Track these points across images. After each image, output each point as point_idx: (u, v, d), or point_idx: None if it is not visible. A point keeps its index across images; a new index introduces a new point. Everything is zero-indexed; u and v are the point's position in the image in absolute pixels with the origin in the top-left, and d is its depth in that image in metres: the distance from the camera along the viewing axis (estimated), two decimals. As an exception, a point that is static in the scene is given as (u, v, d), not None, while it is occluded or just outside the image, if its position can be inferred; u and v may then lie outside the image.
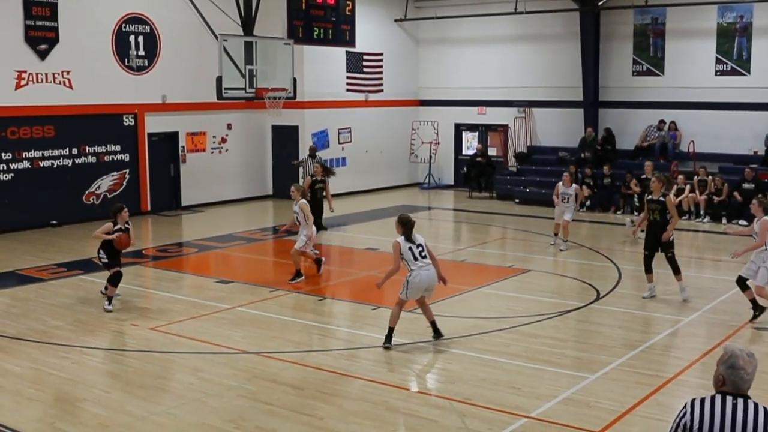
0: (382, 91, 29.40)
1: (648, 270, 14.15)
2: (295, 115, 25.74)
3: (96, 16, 21.95)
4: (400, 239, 11.31)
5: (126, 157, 23.16)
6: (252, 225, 22.22)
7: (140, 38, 23.07)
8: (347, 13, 21.67)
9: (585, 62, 26.45)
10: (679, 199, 22.90)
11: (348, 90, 28.14)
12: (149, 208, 23.76)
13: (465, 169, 28.89)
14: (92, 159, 22.36)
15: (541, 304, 13.81)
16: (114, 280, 13.61)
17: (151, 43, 23.34)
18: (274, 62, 19.27)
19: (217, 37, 18.57)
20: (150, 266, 17.45)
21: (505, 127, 29.05)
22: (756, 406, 4.52)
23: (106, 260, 13.74)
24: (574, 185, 19.41)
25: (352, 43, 22.45)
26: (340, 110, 27.73)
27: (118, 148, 22.92)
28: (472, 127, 30.31)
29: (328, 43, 21.84)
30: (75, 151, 21.94)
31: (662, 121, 25.56)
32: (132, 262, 17.39)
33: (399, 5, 29.83)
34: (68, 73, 21.41)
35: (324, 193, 19.93)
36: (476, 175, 28.09)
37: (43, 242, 19.62)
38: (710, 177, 23.00)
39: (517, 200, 26.26)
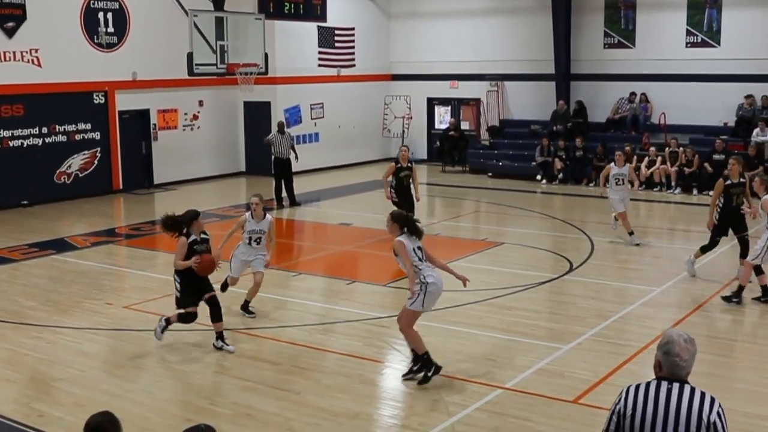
0: (354, 65, 29.30)
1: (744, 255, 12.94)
2: (267, 90, 25.61)
3: (63, -7, 21.71)
4: (403, 238, 9.38)
5: (97, 136, 22.97)
6: (225, 202, 22.16)
7: (109, 15, 22.81)
8: (318, -13, 21.63)
9: (557, 35, 26.49)
10: (650, 170, 23.09)
11: (320, 65, 28.02)
12: (121, 187, 23.61)
13: (438, 143, 28.92)
14: (62, 138, 22.17)
15: (515, 277, 13.91)
16: (183, 319, 10.44)
17: (121, 20, 23.09)
18: (245, 38, 19.23)
19: (187, 13, 18.51)
20: (123, 245, 17.37)
21: (478, 100, 29.07)
22: (692, 390, 4.45)
23: (180, 293, 10.41)
24: (627, 164, 16.76)
25: (323, 18, 22.46)
26: (312, 86, 27.62)
27: (88, 126, 22.72)
28: (444, 102, 30.32)
29: (299, 18, 21.84)
30: (45, 130, 21.73)
31: (633, 94, 25.68)
32: (105, 241, 17.37)
33: (370, -21, 29.74)
34: (36, 51, 21.17)
35: (411, 181, 16.36)
36: (449, 149, 28.12)
37: (14, 223, 19.47)
38: (681, 149, 23.16)
39: (490, 174, 26.33)
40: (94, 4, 22.40)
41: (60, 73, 21.68)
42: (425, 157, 30.49)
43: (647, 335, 10.76)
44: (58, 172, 22.18)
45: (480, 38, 28.69)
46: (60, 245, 16.80)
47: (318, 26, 26.93)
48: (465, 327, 11.19)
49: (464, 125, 29.49)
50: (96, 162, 23.02)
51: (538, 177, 25.00)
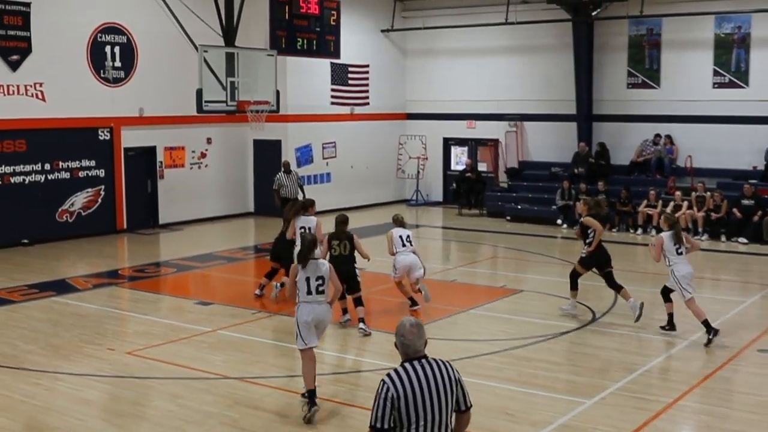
0: (368, 104, 29.44)
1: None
2: (278, 128, 25.73)
3: (70, 26, 21.89)
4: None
5: (101, 173, 23.08)
6: (233, 244, 22.16)
7: (116, 48, 23.03)
8: (332, 23, 21.74)
9: (578, 74, 26.58)
10: (677, 215, 22.96)
11: (333, 103, 28.17)
12: (125, 226, 23.67)
13: (454, 185, 28.90)
14: (66, 175, 22.27)
15: (535, 326, 13.81)
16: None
17: (128, 54, 23.30)
18: (256, 74, 19.28)
19: (197, 48, 18.57)
20: (126, 287, 17.37)
21: (496, 141, 29.13)
22: (435, 360, 5.50)
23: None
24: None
25: (336, 55, 22.50)
26: (324, 124, 27.75)
27: (92, 163, 22.85)
28: (461, 142, 30.39)
29: (312, 55, 21.89)
30: (48, 166, 21.85)
31: (658, 135, 25.68)
32: (108, 283, 17.38)
33: (385, 15, 29.93)
34: (41, 84, 21.35)
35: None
36: (466, 192, 28.12)
37: (13, 262, 19.51)
38: (708, 193, 23.10)
39: (508, 217, 26.28)
40: (101, 37, 22.61)
41: (65, 108, 21.83)
42: (440, 200, 30.50)
43: (675, 389, 10.64)
44: (60, 210, 22.24)
45: (498, 76, 28.82)
46: (61, 287, 16.80)
47: (331, 63, 27.09)
48: (481, 378, 11.07)
49: (481, 167, 29.51)
50: (100, 200, 23.09)
51: (559, 221, 24.94)
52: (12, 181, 21.13)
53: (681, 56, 25.62)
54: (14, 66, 20.82)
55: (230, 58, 18.75)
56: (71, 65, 21.99)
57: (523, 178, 28.02)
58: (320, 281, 9.92)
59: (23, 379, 11.14)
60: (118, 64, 23.06)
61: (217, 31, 19.89)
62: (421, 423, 5.33)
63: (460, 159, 30.31)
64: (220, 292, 17.04)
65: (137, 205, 24.02)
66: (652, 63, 26.14)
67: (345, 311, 14.06)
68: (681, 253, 13.00)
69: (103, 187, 23.14)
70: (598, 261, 14.30)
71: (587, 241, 14.31)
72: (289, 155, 26.13)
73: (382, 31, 30.03)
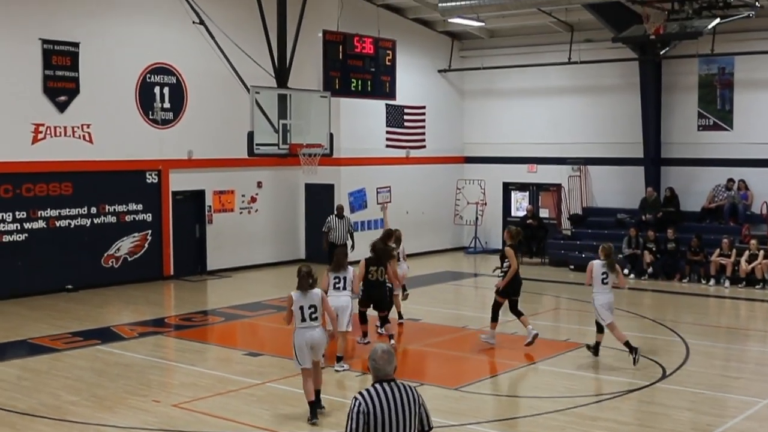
0: (424, 147, 29.52)
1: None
2: (331, 172, 25.86)
3: (119, 66, 22.33)
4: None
5: (148, 217, 23.37)
6: (283, 292, 22.00)
7: (165, 89, 23.42)
8: (387, 63, 21.85)
9: (645, 116, 26.40)
10: (751, 265, 22.61)
11: (388, 146, 28.29)
12: (172, 273, 23.89)
13: (514, 231, 28.73)
14: (112, 219, 22.58)
15: (600, 383, 13.64)
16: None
17: (178, 95, 23.68)
18: (308, 116, 19.38)
19: (248, 89, 18.73)
20: (172, 336, 17.48)
21: (558, 186, 28.98)
22: (401, 383, 6.46)
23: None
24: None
25: (392, 96, 22.59)
26: (379, 167, 27.86)
27: (140, 207, 23.15)
28: (522, 187, 30.28)
29: (366, 96, 21.98)
30: (94, 210, 22.18)
31: (731, 180, 25.37)
32: (153, 332, 17.50)
33: (443, 55, 30.09)
34: (88, 126, 21.74)
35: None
36: (527, 239, 27.82)
37: (57, 308, 19.76)
38: (786, 242, 22.76)
39: (572, 267, 26.07)
40: (150, 78, 23.01)
41: (112, 150, 22.20)
42: (500, 247, 30.27)
43: (752, 454, 10.39)
44: (105, 255, 22.52)
45: (561, 118, 28.75)
46: (105, 335, 16.95)
47: (386, 104, 27.26)
48: (546, 438, 10.93)
49: (543, 213, 29.38)
50: (146, 245, 23.34)
51: (626, 271, 24.65)
52: (57, 224, 21.47)
53: (755, 96, 25.35)
54: (62, 107, 21.25)
55: (282, 100, 18.88)
56: (119, 106, 22.39)
57: (588, 225, 27.81)
58: (312, 309, 11.55)
59: (66, 431, 11.23)
60: (167, 105, 23.42)
61: (269, 71, 20.08)
62: None
63: (520, 205, 30.20)
64: (269, 342, 17.04)
65: (185, 251, 24.25)
66: (725, 104, 25.90)
67: (365, 334, 15.92)
68: (606, 284, 14.56)
69: (150, 231, 23.40)
70: (513, 289, 15.68)
71: (503, 270, 15.76)
72: (342, 200, 26.25)
73: (439, 71, 30.18)
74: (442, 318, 18.27)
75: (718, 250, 23.39)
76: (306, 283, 11.57)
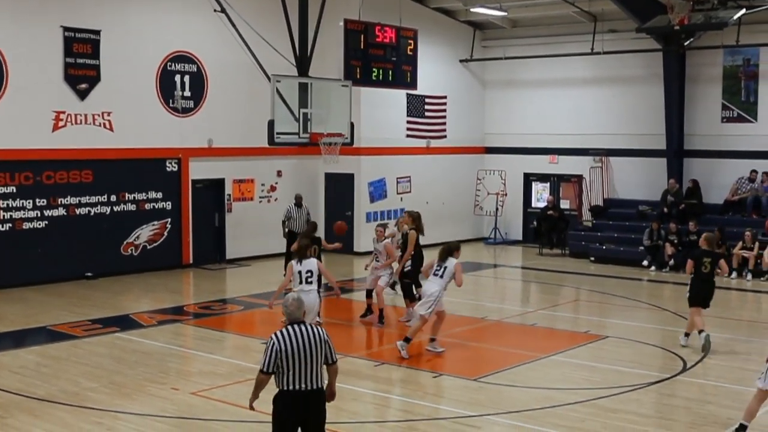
0: (445, 137, 29.48)
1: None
2: (351, 162, 25.86)
3: (140, 54, 22.38)
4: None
5: (168, 206, 23.44)
6: (302, 281, 22.21)
7: (186, 78, 23.46)
8: (409, 53, 21.81)
9: (669, 107, 26.26)
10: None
11: (408, 136, 28.26)
12: (191, 261, 23.96)
13: (535, 223, 28.73)
14: (132, 207, 22.66)
15: (621, 375, 13.58)
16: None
17: (198, 84, 23.72)
18: (329, 105, 19.39)
19: (269, 78, 18.75)
20: (191, 324, 17.53)
21: (580, 177, 28.87)
22: (310, 326, 7.98)
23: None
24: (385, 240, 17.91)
25: (413, 85, 22.56)
26: (399, 157, 27.84)
27: (159, 195, 23.22)
28: (542, 178, 30.22)
29: (387, 85, 21.96)
30: (114, 198, 22.26)
31: (755, 172, 25.21)
32: (172, 320, 17.55)
33: (464, 45, 30.01)
34: (109, 114, 21.82)
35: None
36: (547, 230, 27.90)
37: (76, 296, 19.86)
38: (810, 236, 22.61)
39: (592, 258, 26.00)
40: (171, 66, 23.05)
41: (132, 138, 22.26)
42: (520, 238, 30.31)
43: (774, 448, 10.34)
44: (125, 243, 22.61)
45: (583, 109, 28.65)
46: (124, 322, 17.03)
47: (407, 94, 27.21)
48: (564, 430, 10.89)
49: (564, 204, 29.30)
50: (166, 234, 23.42)
51: (646, 263, 24.57)
52: (77, 212, 21.55)
53: (780, 88, 25.22)
54: (83, 95, 21.32)
55: (303, 89, 18.90)
56: (140, 94, 22.45)
57: (609, 217, 27.71)
58: (309, 273, 13.62)
59: (84, 418, 11.26)
60: (187, 93, 23.46)
61: (290, 60, 20.10)
62: (297, 368, 7.77)
63: (541, 196, 30.13)
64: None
65: (204, 239, 24.32)
66: (749, 95, 25.73)
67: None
68: (437, 275, 14.95)
69: (169, 220, 23.48)
70: (414, 271, 17.00)
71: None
72: (362, 189, 26.28)
73: (461, 61, 30.11)
74: (461, 308, 18.24)
75: (740, 243, 23.26)
76: (305, 253, 14.02)
